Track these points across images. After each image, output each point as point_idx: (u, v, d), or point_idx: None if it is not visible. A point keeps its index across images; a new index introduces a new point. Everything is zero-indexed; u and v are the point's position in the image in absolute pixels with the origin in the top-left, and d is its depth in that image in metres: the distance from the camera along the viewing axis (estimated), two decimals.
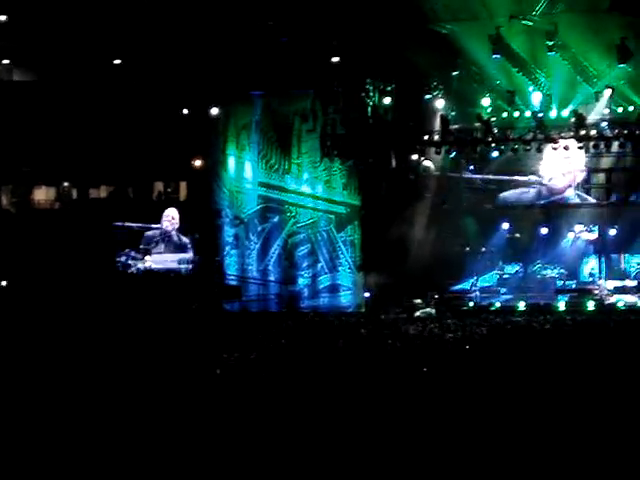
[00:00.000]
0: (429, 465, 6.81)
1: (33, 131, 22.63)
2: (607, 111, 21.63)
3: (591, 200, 23.66)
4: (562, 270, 23.30)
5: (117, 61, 22.09)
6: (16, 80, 23.00)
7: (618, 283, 22.61)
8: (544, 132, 21.77)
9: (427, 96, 22.22)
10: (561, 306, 21.37)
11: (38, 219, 23.23)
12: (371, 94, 22.38)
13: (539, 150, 22.22)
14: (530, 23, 20.92)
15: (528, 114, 22.02)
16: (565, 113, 21.81)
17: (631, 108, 21.61)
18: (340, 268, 23.17)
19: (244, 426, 7.86)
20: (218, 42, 20.94)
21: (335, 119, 22.73)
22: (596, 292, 22.08)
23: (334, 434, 7.53)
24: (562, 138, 21.74)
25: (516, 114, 22.17)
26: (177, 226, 17.85)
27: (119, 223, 17.28)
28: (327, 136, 22.70)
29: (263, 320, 19.72)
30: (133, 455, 7.09)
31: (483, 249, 23.44)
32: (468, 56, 21.42)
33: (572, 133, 21.61)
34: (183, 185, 24.05)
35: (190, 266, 17.03)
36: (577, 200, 23.62)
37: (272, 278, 23.41)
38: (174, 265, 17.04)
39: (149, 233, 17.40)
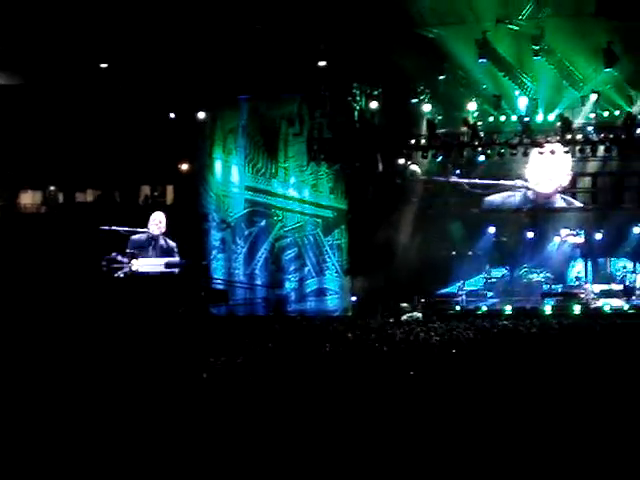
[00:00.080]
0: (416, 469, 6.82)
1: (19, 135, 22.58)
2: (593, 115, 21.70)
3: (577, 204, 23.73)
4: (548, 274, 23.37)
5: (104, 65, 22.05)
6: (1, 84, 22.94)
7: (604, 287, 22.68)
8: (530, 136, 21.84)
9: (414, 100, 22.24)
10: (547, 310, 21.42)
11: (24, 223, 23.17)
12: (358, 98, 22.40)
13: (525, 154, 22.29)
14: (516, 27, 20.98)
15: (514, 118, 22.07)
16: (551, 117, 21.88)
17: (617, 112, 21.69)
18: (327, 272, 23.18)
19: (231, 430, 7.86)
20: (205, 46, 20.93)
21: (322, 123, 22.76)
22: (582, 296, 22.15)
23: (321, 438, 7.53)
24: (548, 142, 21.82)
25: (502, 118, 22.24)
26: (164, 230, 17.80)
27: (106, 227, 17.23)
28: (314, 140, 22.73)
29: (250, 324, 19.71)
30: (119, 459, 7.07)
31: (470, 253, 23.51)
32: (454, 60, 21.46)
33: (558, 137, 21.68)
34: (170, 189, 24.03)
35: (177, 270, 16.98)
36: (563, 204, 23.70)
37: (259, 282, 23.41)
38: (161, 269, 16.99)
39: (135, 237, 17.36)
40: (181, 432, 7.80)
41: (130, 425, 8.03)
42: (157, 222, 17.91)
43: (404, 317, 21.14)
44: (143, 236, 17.43)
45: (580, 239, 23.24)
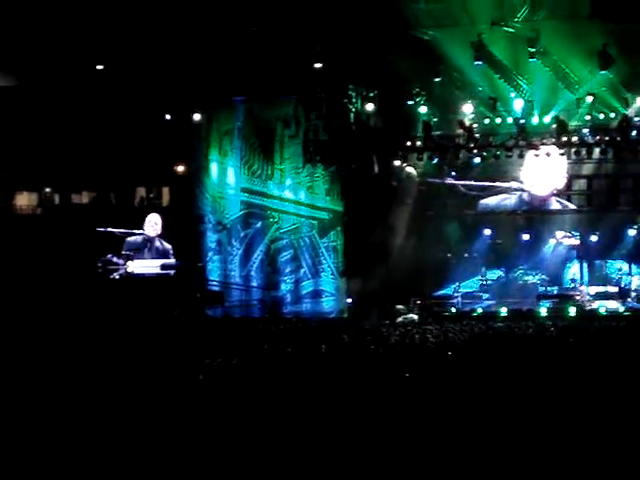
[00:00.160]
0: (412, 470, 6.82)
1: (14, 136, 22.56)
2: (589, 117, 21.72)
3: (572, 206, 23.76)
4: (544, 276, 23.39)
5: (99, 66, 22.04)
6: None
7: (600, 289, 22.70)
8: (526, 138, 21.86)
9: (409, 102, 22.24)
10: (543, 312, 21.43)
11: (20, 225, 23.15)
12: (354, 100, 22.41)
13: (521, 156, 22.32)
14: (512, 30, 21.03)
15: (510, 120, 22.08)
16: (547, 119, 21.89)
17: (612, 115, 21.71)
18: (323, 274, 23.18)
19: (227, 431, 7.86)
20: (201, 47, 20.93)
21: (318, 125, 22.76)
22: (578, 298, 22.16)
23: (317, 439, 7.53)
24: (544, 144, 21.84)
25: (498, 120, 22.22)
26: (160, 232, 17.80)
27: (101, 229, 17.21)
28: (310, 142, 22.74)
29: (246, 326, 19.71)
30: (115, 460, 7.07)
31: (465, 255, 23.53)
32: (450, 62, 21.47)
33: (554, 139, 21.70)
34: (166, 191, 24.01)
35: (172, 272, 16.97)
36: (558, 206, 23.72)
37: (255, 284, 23.40)
38: (157, 271, 16.99)
39: (131, 239, 17.34)
40: (177, 433, 7.80)
41: (126, 426, 8.03)
42: (153, 224, 17.89)
43: (400, 319, 21.14)
44: (139, 238, 17.41)
45: (576, 241, 23.26)
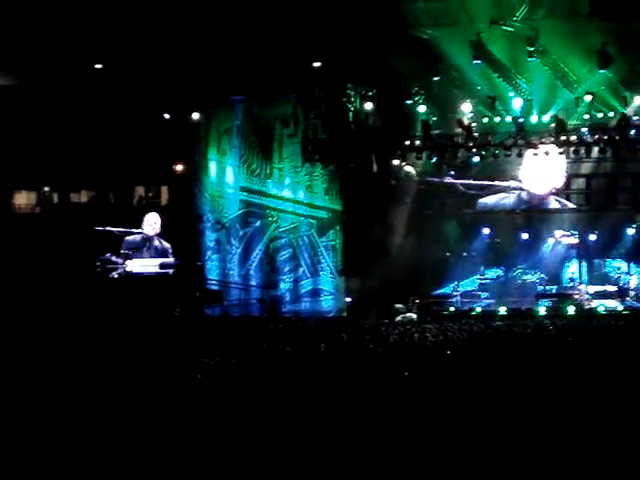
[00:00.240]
0: (410, 469, 6.82)
1: (13, 136, 22.55)
2: (587, 116, 21.72)
3: (571, 205, 23.76)
4: (542, 275, 23.40)
5: (98, 65, 22.03)
6: None
7: (599, 288, 22.71)
8: (525, 137, 21.87)
9: (408, 101, 22.25)
10: (542, 311, 21.44)
11: (19, 224, 23.14)
12: (352, 99, 22.41)
13: (520, 155, 22.33)
14: (511, 29, 21.03)
15: (509, 119, 22.10)
16: (546, 118, 21.90)
17: (611, 114, 21.71)
18: (322, 273, 23.18)
19: (225, 430, 7.85)
20: (199, 47, 20.92)
21: (316, 124, 22.77)
22: (576, 297, 22.18)
23: (316, 438, 7.53)
24: (543, 143, 21.86)
25: (497, 119, 22.25)
26: (158, 231, 17.76)
27: (100, 228, 17.18)
28: (308, 141, 22.75)
29: (244, 325, 19.71)
30: (113, 459, 7.07)
31: (464, 254, 23.54)
32: (449, 61, 21.48)
33: (552, 138, 21.71)
34: (164, 190, 24.02)
35: (171, 271, 16.94)
36: (557, 205, 23.73)
37: (254, 283, 23.40)
38: (155, 270, 16.95)
39: (130, 238, 17.28)
40: (175, 433, 7.80)
41: (124, 425, 8.02)
42: (152, 223, 17.82)
43: (399, 318, 21.14)
44: (137, 237, 17.34)
45: (575, 240, 23.28)
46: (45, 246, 21.55)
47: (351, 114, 22.52)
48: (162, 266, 17.01)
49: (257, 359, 12.78)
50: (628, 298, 22.44)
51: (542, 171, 23.04)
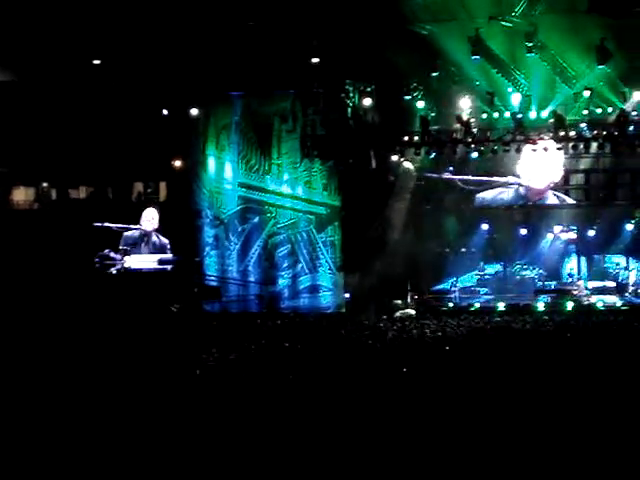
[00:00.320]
0: (410, 466, 6.81)
1: (11, 131, 22.53)
2: (586, 112, 21.71)
3: (570, 201, 23.76)
4: (541, 271, 23.41)
5: (96, 61, 22.00)
6: None
7: (598, 284, 22.72)
8: (523, 133, 21.86)
9: (407, 97, 22.22)
10: (540, 307, 21.44)
11: (17, 220, 23.12)
12: (351, 95, 22.38)
13: (518, 151, 22.31)
14: (509, 24, 20.99)
15: (507, 115, 22.07)
16: (544, 114, 21.88)
17: (610, 109, 21.70)
18: (320, 269, 23.15)
19: (224, 426, 7.85)
20: (198, 42, 20.90)
21: (315, 120, 22.73)
22: (575, 292, 22.19)
23: (315, 435, 7.52)
24: (541, 139, 21.84)
25: (495, 115, 22.22)
26: (157, 227, 17.76)
27: (98, 224, 17.17)
28: (307, 137, 22.72)
29: (243, 321, 19.71)
30: (111, 455, 7.06)
31: (463, 250, 23.54)
32: (447, 57, 21.44)
33: (551, 134, 21.70)
34: (163, 185, 24.00)
35: (170, 267, 16.95)
36: (555, 201, 23.72)
37: (252, 279, 23.37)
38: (154, 266, 16.95)
39: (128, 233, 17.28)
40: (174, 429, 7.79)
41: (123, 421, 8.02)
42: (150, 218, 17.84)
43: (397, 314, 21.12)
44: (136, 233, 17.35)
45: (573, 235, 23.27)
46: (43, 242, 21.54)
47: (350, 110, 22.50)
48: (160, 262, 17.02)
49: (256, 355, 12.78)
50: (627, 294, 22.46)
51: (540, 166, 23.03)
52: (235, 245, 23.38)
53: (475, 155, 22.78)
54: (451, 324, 17.58)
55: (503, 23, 20.98)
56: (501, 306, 21.60)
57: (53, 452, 7.16)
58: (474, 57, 20.93)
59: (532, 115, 21.90)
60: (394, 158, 23.11)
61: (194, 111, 22.78)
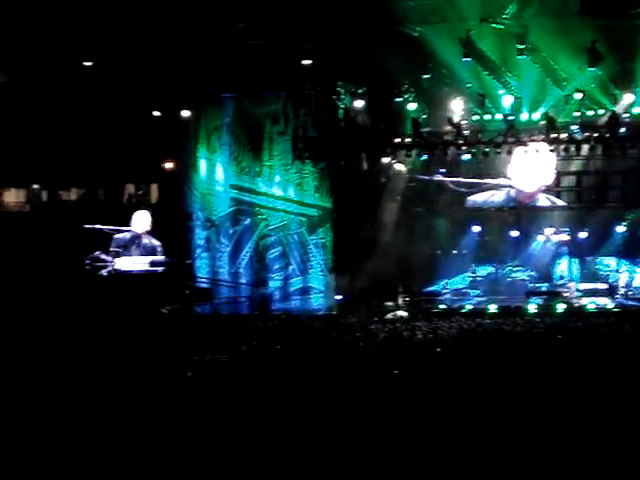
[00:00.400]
0: (400, 466, 6.81)
1: (2, 133, 22.48)
2: (578, 114, 21.72)
3: (561, 203, 23.77)
4: (533, 273, 23.41)
5: (88, 63, 21.97)
6: None
7: (589, 286, 22.74)
8: (515, 135, 21.88)
9: (398, 99, 22.22)
10: (531, 308, 21.46)
11: (7, 222, 23.07)
12: (342, 97, 22.38)
13: (509, 153, 22.32)
14: (501, 26, 20.99)
15: (499, 117, 22.08)
16: (536, 116, 21.90)
17: (601, 111, 21.73)
18: (312, 271, 23.16)
19: (215, 428, 7.84)
20: (189, 44, 20.88)
21: (307, 122, 22.74)
22: (566, 295, 22.21)
23: (305, 436, 7.52)
24: (533, 141, 21.87)
25: (487, 117, 22.23)
26: (148, 229, 17.73)
27: (89, 226, 17.14)
28: (299, 139, 22.73)
29: (234, 323, 19.70)
30: (103, 456, 7.04)
31: (455, 251, 23.54)
32: (439, 59, 21.44)
33: (542, 136, 21.73)
34: (154, 187, 23.97)
35: (161, 269, 16.91)
36: (547, 203, 23.74)
37: (243, 281, 23.37)
38: (145, 268, 16.92)
39: (119, 236, 17.24)
40: (165, 430, 7.78)
41: (114, 423, 8.00)
42: (141, 221, 17.81)
43: (389, 316, 21.13)
44: (127, 235, 17.31)
45: (565, 237, 23.28)
46: (34, 244, 21.49)
47: (341, 112, 22.49)
48: (152, 264, 16.99)
49: (247, 357, 12.78)
50: (618, 296, 22.47)
51: (531, 169, 23.03)
52: (226, 247, 23.38)
53: (466, 157, 22.81)
54: (442, 326, 17.59)
55: (494, 25, 20.99)
56: (492, 308, 21.62)
57: (43, 452, 7.14)
58: (465, 59, 20.94)
59: (523, 117, 21.92)
60: (385, 160, 23.12)
61: (185, 113, 22.77)
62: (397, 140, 22.55)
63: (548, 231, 23.39)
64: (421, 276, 23.10)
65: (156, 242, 17.54)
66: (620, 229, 22.94)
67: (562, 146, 21.91)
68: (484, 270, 23.77)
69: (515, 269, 23.47)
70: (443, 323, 18.24)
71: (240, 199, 23.35)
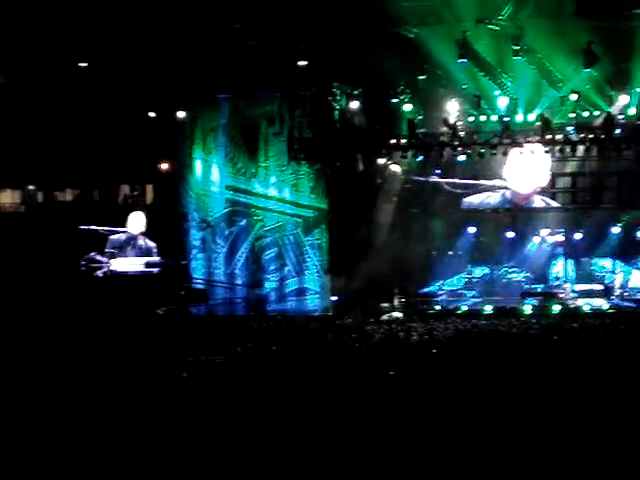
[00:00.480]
0: (396, 467, 6.80)
1: None
2: (573, 115, 21.73)
3: (556, 204, 23.78)
4: (528, 274, 23.42)
5: (83, 64, 21.95)
6: None
7: (584, 287, 22.74)
8: (510, 136, 21.89)
9: (394, 100, 22.22)
10: (527, 309, 21.47)
11: (3, 222, 23.06)
12: (338, 98, 22.39)
13: (505, 154, 22.34)
14: (496, 27, 21.00)
15: (494, 118, 22.08)
16: (531, 117, 21.90)
17: (597, 112, 21.74)
18: (307, 272, 23.15)
19: (210, 429, 7.83)
20: (185, 45, 20.87)
21: (302, 123, 22.74)
22: (562, 296, 22.22)
23: (301, 437, 7.51)
24: (528, 142, 21.88)
25: (482, 118, 22.21)
26: (143, 230, 17.74)
27: (85, 227, 17.15)
28: (294, 140, 22.73)
29: (230, 324, 19.69)
30: (98, 456, 7.04)
31: (450, 252, 23.54)
32: (434, 60, 21.43)
33: (538, 137, 21.74)
34: (150, 188, 23.96)
35: (156, 270, 16.92)
36: (542, 204, 23.74)
37: (239, 282, 23.37)
38: (140, 268, 16.93)
39: (114, 237, 17.27)
40: (161, 430, 7.77)
41: (109, 423, 7.99)
42: (136, 222, 17.83)
43: (384, 317, 21.13)
44: (122, 236, 17.34)
45: (561, 238, 23.29)
46: (30, 245, 21.48)
47: (337, 113, 22.50)
48: (147, 265, 17.00)
49: (243, 358, 12.77)
50: (613, 297, 22.48)
51: (527, 170, 23.03)
52: (222, 248, 23.38)
53: (462, 158, 22.80)
54: (438, 327, 17.59)
55: (490, 26, 21.00)
56: (488, 309, 21.64)
57: (40, 451, 7.14)
58: (461, 60, 20.94)
59: (519, 118, 21.94)
60: (381, 161, 23.12)
61: (181, 114, 22.78)
62: (393, 141, 22.55)
63: (544, 232, 23.40)
64: (417, 277, 23.09)
65: (151, 243, 17.55)
66: (615, 230, 22.95)
67: (557, 147, 21.93)
68: (480, 271, 23.77)
69: (511, 270, 23.48)
70: (439, 324, 18.24)
71: (236, 200, 23.35)
